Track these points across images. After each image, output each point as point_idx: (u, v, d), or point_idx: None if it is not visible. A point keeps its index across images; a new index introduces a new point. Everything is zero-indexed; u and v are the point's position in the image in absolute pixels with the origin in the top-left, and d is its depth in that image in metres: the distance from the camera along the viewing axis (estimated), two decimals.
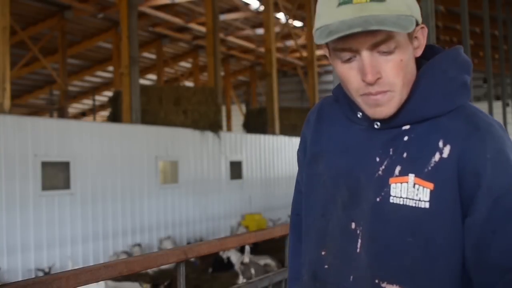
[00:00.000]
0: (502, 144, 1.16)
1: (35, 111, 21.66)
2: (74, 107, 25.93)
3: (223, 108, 18.38)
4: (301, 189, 1.43)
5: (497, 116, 18.44)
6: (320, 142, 1.36)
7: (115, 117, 12.89)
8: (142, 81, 20.94)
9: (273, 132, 15.52)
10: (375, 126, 1.25)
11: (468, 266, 1.16)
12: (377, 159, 1.23)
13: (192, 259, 9.31)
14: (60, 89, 16.89)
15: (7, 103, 8.78)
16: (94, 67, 21.37)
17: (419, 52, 1.23)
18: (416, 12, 1.18)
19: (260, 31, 19.30)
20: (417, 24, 1.19)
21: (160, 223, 11.25)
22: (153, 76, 23.50)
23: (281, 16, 18.10)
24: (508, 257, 1.11)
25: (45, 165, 8.74)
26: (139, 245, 10.20)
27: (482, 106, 22.00)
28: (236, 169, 13.89)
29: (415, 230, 1.17)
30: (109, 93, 20.96)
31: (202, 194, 12.50)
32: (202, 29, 17.14)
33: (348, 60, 1.18)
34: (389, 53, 1.15)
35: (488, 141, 1.16)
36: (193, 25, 18.15)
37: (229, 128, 24.25)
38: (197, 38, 19.94)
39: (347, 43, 1.14)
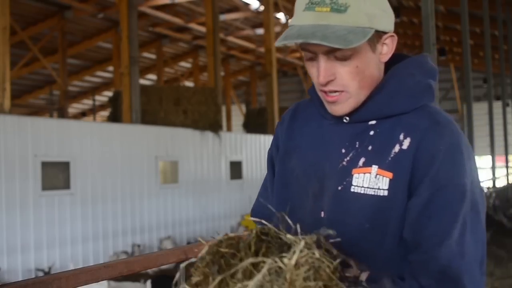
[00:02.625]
0: (457, 139, 1.25)
1: (35, 111, 21.66)
2: (74, 107, 25.92)
3: (223, 108, 18.38)
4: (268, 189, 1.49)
5: (497, 116, 18.44)
6: (294, 138, 1.43)
7: (115, 117, 12.89)
8: (142, 81, 20.93)
9: (273, 132, 15.48)
10: (344, 121, 1.33)
11: (406, 246, 1.24)
12: (343, 151, 1.31)
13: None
14: (60, 89, 16.88)
15: (7, 103, 8.78)
16: (94, 67, 21.36)
17: (385, 58, 1.30)
18: (380, 22, 1.25)
19: (260, 31, 19.29)
20: (385, 32, 1.27)
21: (160, 223, 11.25)
22: (153, 76, 23.49)
23: (281, 16, 18.10)
24: (434, 243, 1.19)
25: (45, 165, 8.74)
26: (138, 246, 10.20)
27: (482, 106, 21.98)
28: (236, 169, 13.89)
29: (374, 217, 1.25)
30: (109, 93, 20.95)
31: (202, 194, 12.50)
32: (202, 29, 17.13)
33: (311, 59, 1.27)
34: (344, 59, 1.23)
35: (445, 135, 1.24)
36: (193, 25, 18.15)
37: (229, 128, 24.24)
38: (197, 38, 19.93)
39: (307, 45, 1.23)
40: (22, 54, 15.73)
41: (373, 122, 1.30)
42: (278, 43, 1.22)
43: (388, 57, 1.30)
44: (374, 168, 1.26)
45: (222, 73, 21.24)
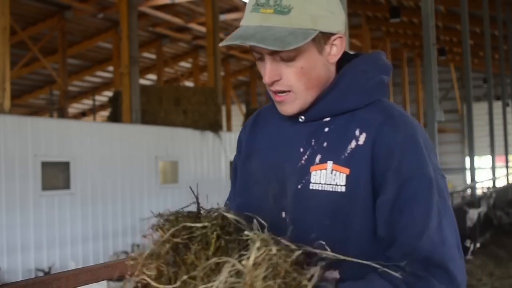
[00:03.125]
0: (413, 131, 1.26)
1: (35, 111, 21.64)
2: (74, 107, 25.90)
3: (223, 108, 18.39)
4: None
5: (497, 116, 18.40)
6: (254, 142, 1.44)
7: (115, 117, 12.90)
8: (142, 81, 20.92)
9: None
10: (300, 120, 1.34)
11: (382, 244, 1.24)
12: (301, 150, 1.32)
13: None
14: (60, 89, 16.87)
15: (7, 103, 8.78)
16: (94, 67, 21.34)
17: (333, 59, 1.31)
18: (326, 23, 1.25)
19: None
20: (333, 34, 1.28)
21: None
22: (153, 76, 23.48)
23: None
24: (411, 235, 1.20)
25: (45, 165, 8.74)
26: (138, 246, 10.20)
27: (482, 106, 21.95)
28: None
29: (333, 213, 1.25)
30: (109, 93, 20.94)
31: (202, 194, 12.48)
32: (202, 29, 17.13)
33: (260, 59, 1.29)
34: (289, 60, 1.25)
35: (400, 127, 1.25)
36: (193, 25, 18.14)
37: (229, 128, 24.23)
38: (197, 38, 19.92)
39: (254, 46, 1.25)
40: (22, 54, 15.71)
41: (328, 119, 1.32)
42: (222, 44, 1.25)
43: (337, 57, 1.32)
44: (330, 163, 1.27)
45: (222, 73, 21.23)
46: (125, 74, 11.99)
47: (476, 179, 12.55)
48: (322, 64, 1.29)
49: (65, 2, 15.20)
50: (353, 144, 1.26)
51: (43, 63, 15.97)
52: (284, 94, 1.29)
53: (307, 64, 1.26)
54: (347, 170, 1.25)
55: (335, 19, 1.28)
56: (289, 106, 1.30)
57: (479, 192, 12.71)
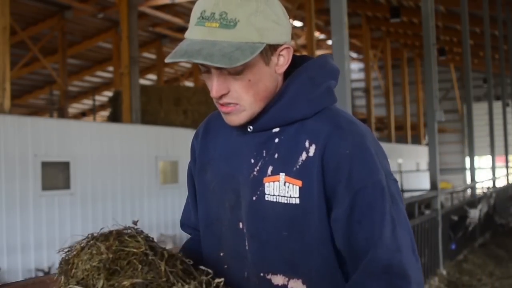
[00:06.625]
0: (361, 138, 1.25)
1: (35, 111, 21.64)
2: (74, 107, 25.91)
3: None
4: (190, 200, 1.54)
5: (497, 116, 18.39)
6: (208, 152, 1.43)
7: (115, 117, 12.89)
8: (142, 81, 20.92)
9: None
10: (248, 130, 1.33)
11: (345, 257, 1.26)
12: (252, 161, 1.32)
13: None
14: (60, 89, 16.87)
15: (7, 103, 8.77)
16: (94, 67, 21.34)
17: (281, 69, 1.30)
18: (272, 35, 1.24)
19: None
20: (280, 45, 1.26)
21: (160, 223, 11.25)
22: (153, 76, 23.49)
23: None
24: (367, 245, 1.21)
25: (45, 165, 8.74)
26: None
27: (482, 106, 21.96)
28: None
29: (290, 224, 1.26)
30: (109, 93, 20.94)
31: None
32: None
33: (206, 72, 1.27)
34: (236, 73, 1.23)
35: (348, 137, 1.24)
36: None
37: None
38: None
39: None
40: (22, 54, 15.71)
41: (277, 129, 1.31)
42: (167, 59, 1.21)
43: (284, 68, 1.30)
44: (282, 175, 1.27)
45: None
46: (125, 74, 11.99)
47: (476, 179, 12.54)
48: (269, 75, 1.28)
49: (65, 2, 15.20)
50: (304, 156, 1.26)
51: (43, 63, 15.96)
52: (231, 105, 1.27)
53: (254, 77, 1.25)
54: (299, 182, 1.25)
55: (282, 30, 1.27)
56: (236, 117, 1.29)
57: (479, 192, 12.70)
